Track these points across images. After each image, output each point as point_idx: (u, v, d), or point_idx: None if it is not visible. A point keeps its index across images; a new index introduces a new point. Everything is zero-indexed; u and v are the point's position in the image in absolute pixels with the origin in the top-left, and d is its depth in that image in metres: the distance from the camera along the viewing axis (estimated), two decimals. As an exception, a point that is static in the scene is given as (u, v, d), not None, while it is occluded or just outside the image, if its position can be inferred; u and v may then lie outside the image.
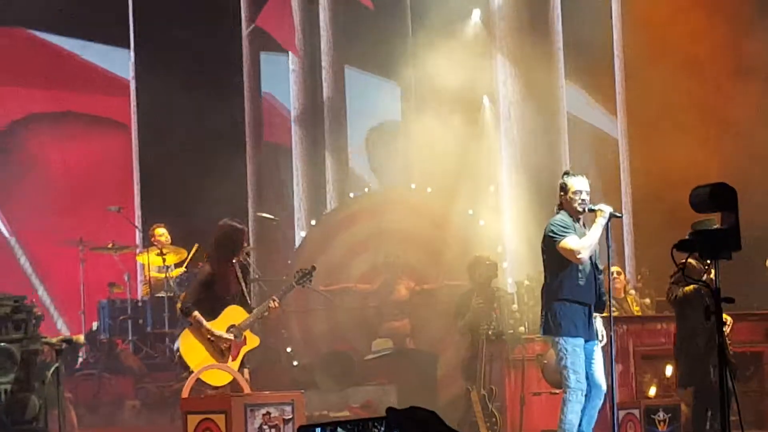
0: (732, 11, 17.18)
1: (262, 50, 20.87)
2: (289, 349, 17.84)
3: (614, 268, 14.87)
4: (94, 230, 19.13)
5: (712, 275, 7.97)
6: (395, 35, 19.82)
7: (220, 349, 11.97)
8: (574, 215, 11.66)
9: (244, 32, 20.73)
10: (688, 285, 12.70)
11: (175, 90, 18.92)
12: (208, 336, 11.93)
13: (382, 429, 3.11)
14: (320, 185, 20.16)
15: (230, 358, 11.96)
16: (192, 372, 11.71)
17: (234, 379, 11.67)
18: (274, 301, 12.13)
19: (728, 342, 12.85)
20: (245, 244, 12.58)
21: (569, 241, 11.50)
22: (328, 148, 20.21)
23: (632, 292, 14.97)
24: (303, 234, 19.19)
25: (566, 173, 12.07)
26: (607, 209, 11.68)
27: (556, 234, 11.57)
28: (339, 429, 3.16)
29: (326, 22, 20.27)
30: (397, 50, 19.59)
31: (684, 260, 12.06)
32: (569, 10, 18.86)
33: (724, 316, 12.84)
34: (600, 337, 11.71)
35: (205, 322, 11.91)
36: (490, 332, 14.69)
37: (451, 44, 18.67)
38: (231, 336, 11.90)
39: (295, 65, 20.61)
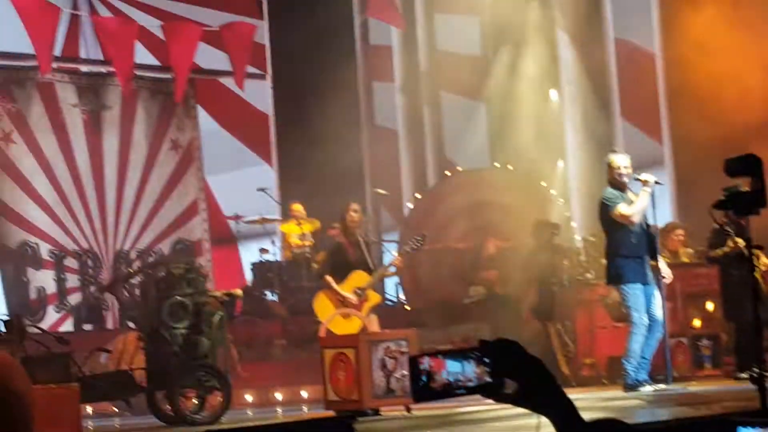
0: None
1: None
2: (403, 297, 17.89)
3: (680, 230, 14.73)
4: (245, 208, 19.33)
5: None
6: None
7: (346, 308, 12.02)
8: (620, 186, 11.64)
9: (356, 22, 20.62)
10: (721, 247, 12.56)
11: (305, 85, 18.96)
12: (338, 297, 11.97)
13: (478, 355, 3.10)
14: (422, 165, 20.09)
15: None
16: (323, 323, 11.84)
17: (361, 329, 11.70)
18: (397, 259, 12.21)
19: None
20: (353, 213, 12.53)
21: (621, 209, 11.51)
22: (426, 134, 20.11)
23: (680, 246, 14.80)
24: (410, 205, 19.17)
25: (612, 151, 12.04)
26: (651, 179, 11.66)
27: (609, 204, 11.57)
28: (441, 355, 3.16)
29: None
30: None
31: (722, 217, 11.98)
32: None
33: (764, 258, 12.70)
34: (665, 275, 11.68)
35: (334, 285, 11.97)
36: (564, 279, 14.66)
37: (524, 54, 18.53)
38: (354, 297, 11.93)
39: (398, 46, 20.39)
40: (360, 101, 20.52)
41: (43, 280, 18.60)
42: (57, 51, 18.47)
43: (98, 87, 19.26)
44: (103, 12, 19.44)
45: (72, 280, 18.78)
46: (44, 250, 18.62)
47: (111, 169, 19.33)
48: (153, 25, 19.17)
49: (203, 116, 20.31)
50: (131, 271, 12.44)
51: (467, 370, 3.10)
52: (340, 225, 12.44)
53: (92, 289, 12.43)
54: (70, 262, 18.83)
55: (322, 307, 12.08)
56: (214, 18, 19.94)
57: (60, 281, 18.71)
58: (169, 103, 19.66)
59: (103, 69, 19.29)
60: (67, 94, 18.88)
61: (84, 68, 19.44)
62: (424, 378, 3.11)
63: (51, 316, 18.50)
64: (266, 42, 20.63)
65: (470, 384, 3.10)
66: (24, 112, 18.49)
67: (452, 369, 3.11)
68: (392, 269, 12.28)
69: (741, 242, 12.11)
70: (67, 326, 18.16)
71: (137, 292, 12.24)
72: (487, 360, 3.09)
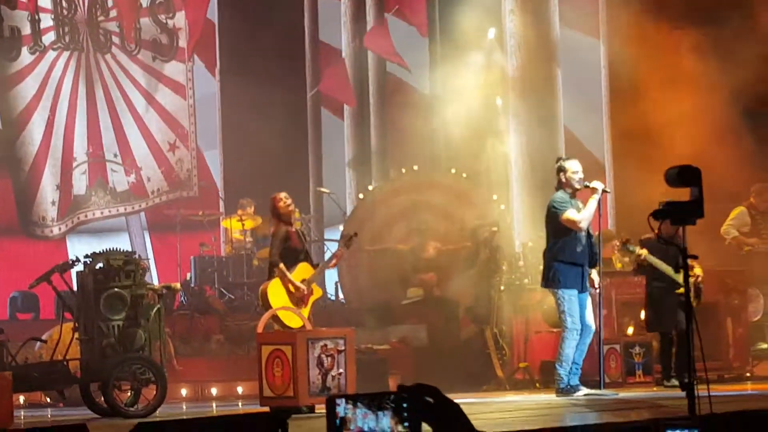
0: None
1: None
2: (341, 296, 17.88)
3: (614, 240, 14.84)
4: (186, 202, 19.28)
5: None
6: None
7: (297, 298, 11.95)
8: (572, 192, 11.67)
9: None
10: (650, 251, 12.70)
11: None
12: (290, 286, 11.89)
13: (395, 406, 3.11)
14: (367, 167, 20.12)
15: (303, 306, 11.97)
16: (272, 309, 11.73)
17: (303, 325, 11.65)
18: (339, 251, 12.24)
19: (697, 290, 12.84)
20: (282, 204, 12.28)
21: (570, 214, 11.53)
22: (373, 137, 20.18)
23: (615, 252, 14.89)
24: (353, 205, 19.15)
25: (560, 159, 12.07)
26: (600, 186, 11.74)
27: (558, 209, 11.59)
28: (359, 402, 3.15)
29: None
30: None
31: (659, 226, 12.08)
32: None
33: (698, 269, 12.76)
34: (597, 285, 11.74)
35: (288, 274, 11.87)
36: (501, 283, 14.70)
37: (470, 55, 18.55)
38: (305, 287, 11.89)
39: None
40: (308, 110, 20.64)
41: (18, 20, 18.77)
42: None
43: None
44: None
45: (46, 21, 19.00)
46: (18, -12, 18.78)
47: None
48: None
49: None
50: (70, 261, 12.26)
51: (382, 423, 3.14)
52: (273, 218, 12.32)
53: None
54: (44, 3, 19.03)
55: (276, 294, 11.94)
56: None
57: (34, 22, 18.92)
58: None
59: None
60: None
61: None
62: (337, 422, 3.17)
63: (25, 57, 18.88)
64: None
65: None
66: None
67: (368, 419, 3.16)
68: (333, 261, 12.26)
69: (644, 252, 12.50)
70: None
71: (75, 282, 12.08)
72: (405, 405, 3.11)
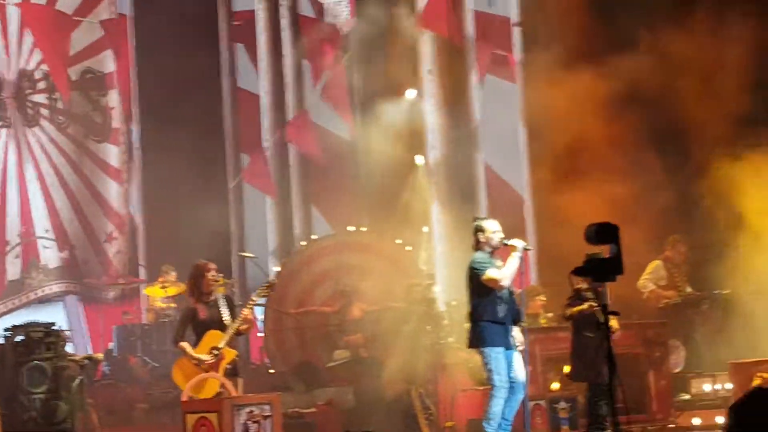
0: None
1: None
2: (267, 361, 17.75)
3: (542, 295, 14.94)
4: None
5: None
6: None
7: (204, 370, 11.83)
8: (492, 251, 11.65)
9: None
10: (578, 305, 12.75)
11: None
12: (193, 361, 11.78)
13: None
14: (289, 229, 20.09)
15: (215, 372, 11.84)
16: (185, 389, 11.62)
17: (221, 389, 11.52)
18: (245, 314, 12.04)
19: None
20: (211, 277, 12.18)
21: (491, 273, 11.48)
22: (294, 201, 20.18)
23: (540, 309, 14.99)
24: (277, 268, 19.10)
25: (477, 219, 12.03)
26: (521, 244, 11.67)
27: (479, 269, 11.54)
28: None
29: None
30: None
31: (579, 283, 12.17)
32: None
33: (614, 325, 12.79)
34: (518, 344, 11.71)
35: (189, 350, 11.77)
36: (427, 342, 14.71)
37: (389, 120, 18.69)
38: (209, 357, 11.74)
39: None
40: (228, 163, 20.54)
41: None
42: None
43: None
44: None
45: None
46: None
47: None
48: None
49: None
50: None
51: None
52: (190, 285, 12.19)
53: None
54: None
55: (181, 375, 11.87)
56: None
57: None
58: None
59: None
60: None
61: None
62: None
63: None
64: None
65: None
66: None
67: None
68: (244, 325, 12.07)
69: (588, 305, 12.47)
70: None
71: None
72: None
